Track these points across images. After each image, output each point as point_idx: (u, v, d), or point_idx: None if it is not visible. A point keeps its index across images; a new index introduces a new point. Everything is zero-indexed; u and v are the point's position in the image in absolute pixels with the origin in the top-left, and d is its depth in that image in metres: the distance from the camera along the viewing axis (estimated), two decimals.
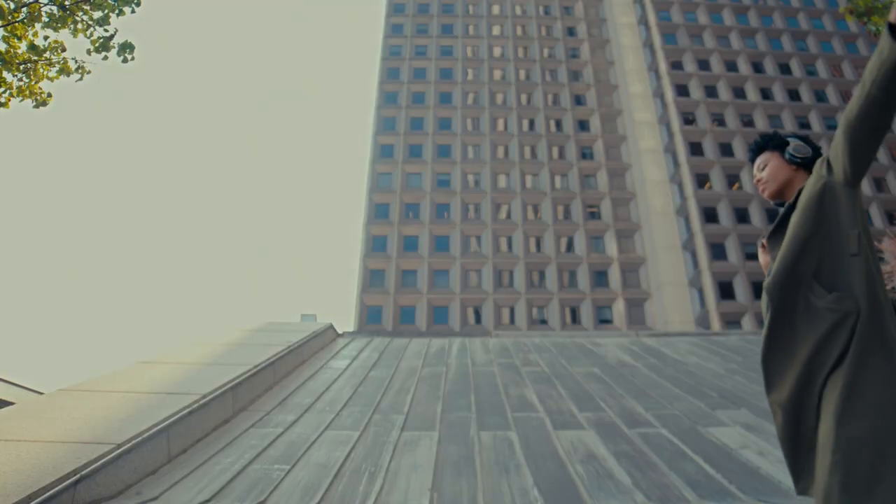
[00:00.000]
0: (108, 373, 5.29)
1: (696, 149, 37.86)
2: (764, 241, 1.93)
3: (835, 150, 1.66)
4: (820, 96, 40.43)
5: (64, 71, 6.99)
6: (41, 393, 12.76)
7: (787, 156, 1.93)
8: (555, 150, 41.05)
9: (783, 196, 1.97)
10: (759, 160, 2.01)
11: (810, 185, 1.73)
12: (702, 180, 36.75)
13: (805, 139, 1.96)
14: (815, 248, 1.64)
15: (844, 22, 42.69)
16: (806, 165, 1.92)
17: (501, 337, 10.97)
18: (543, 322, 34.92)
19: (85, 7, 6.82)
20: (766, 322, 1.70)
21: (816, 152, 1.93)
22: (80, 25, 6.94)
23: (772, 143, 1.99)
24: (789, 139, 1.96)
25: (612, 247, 37.60)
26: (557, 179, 40.00)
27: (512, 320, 34.90)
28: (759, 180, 2.00)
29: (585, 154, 41.19)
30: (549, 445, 4.31)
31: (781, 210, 1.87)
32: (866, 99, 1.50)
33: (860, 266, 1.57)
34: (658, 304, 35.43)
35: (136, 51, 6.96)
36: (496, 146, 40.91)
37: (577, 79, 44.47)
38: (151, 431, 3.74)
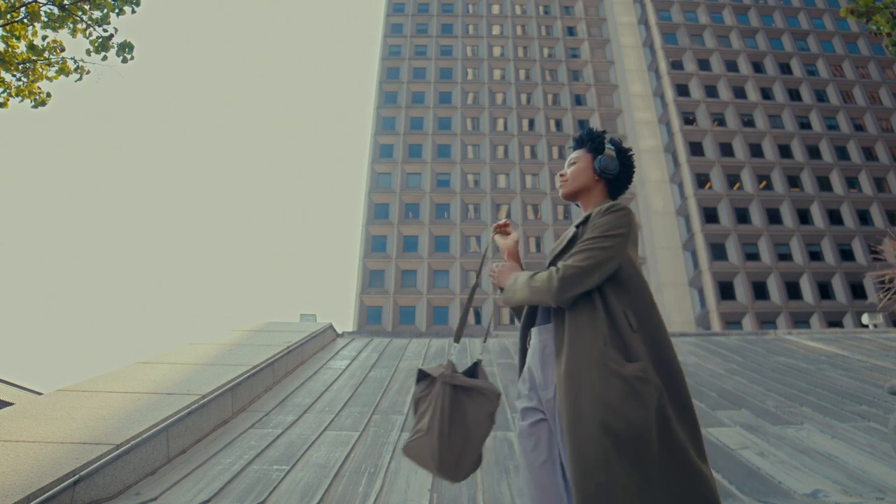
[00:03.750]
0: (108, 373, 5.28)
1: (696, 149, 37.85)
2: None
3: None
4: (820, 96, 40.41)
5: (63, 71, 6.98)
6: (40, 393, 12.76)
7: (595, 164, 1.88)
8: (555, 150, 41.03)
9: (576, 199, 1.94)
10: (574, 155, 1.95)
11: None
12: (702, 180, 36.74)
13: (621, 151, 1.89)
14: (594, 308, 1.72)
15: (845, 21, 42.69)
16: (609, 181, 1.88)
17: (501, 337, 10.96)
18: None
19: (84, 7, 6.81)
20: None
21: (626, 169, 1.88)
22: (79, 25, 6.93)
23: (591, 143, 1.91)
24: (608, 147, 1.88)
25: None
26: (557, 179, 39.95)
27: (512, 320, 34.88)
28: (562, 175, 1.96)
29: None
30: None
31: (568, 233, 1.83)
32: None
33: (641, 343, 1.66)
34: (658, 305, 35.39)
35: (135, 50, 6.95)
36: (496, 146, 40.90)
37: (577, 78, 44.45)
38: (151, 432, 3.73)
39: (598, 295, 1.65)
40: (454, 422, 1.70)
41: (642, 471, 1.44)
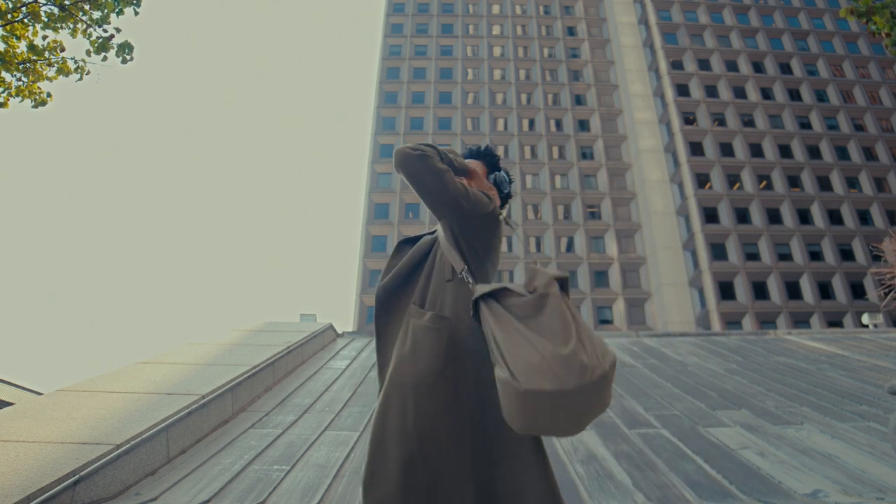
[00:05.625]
0: (108, 373, 5.28)
1: (696, 149, 37.85)
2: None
3: None
4: (821, 96, 40.41)
5: (63, 71, 6.98)
6: (40, 393, 12.76)
7: (491, 174, 2.05)
8: (555, 150, 41.04)
9: None
10: (469, 160, 2.11)
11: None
12: (702, 180, 36.74)
13: (508, 177, 2.10)
14: (420, 274, 1.85)
15: (845, 21, 42.67)
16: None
17: None
18: None
19: (84, 7, 6.81)
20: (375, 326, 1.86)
21: (507, 194, 2.08)
22: (79, 26, 6.94)
23: (486, 158, 2.08)
24: (502, 172, 2.09)
25: (612, 247, 37.59)
26: (557, 179, 39.99)
27: None
28: None
29: (585, 154, 41.18)
30: (548, 445, 4.30)
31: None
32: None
33: (451, 289, 1.76)
34: (658, 304, 35.42)
35: (135, 51, 6.96)
36: (496, 146, 40.88)
37: (577, 78, 44.45)
38: (151, 432, 3.73)
39: (438, 250, 1.84)
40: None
41: (421, 416, 1.51)
